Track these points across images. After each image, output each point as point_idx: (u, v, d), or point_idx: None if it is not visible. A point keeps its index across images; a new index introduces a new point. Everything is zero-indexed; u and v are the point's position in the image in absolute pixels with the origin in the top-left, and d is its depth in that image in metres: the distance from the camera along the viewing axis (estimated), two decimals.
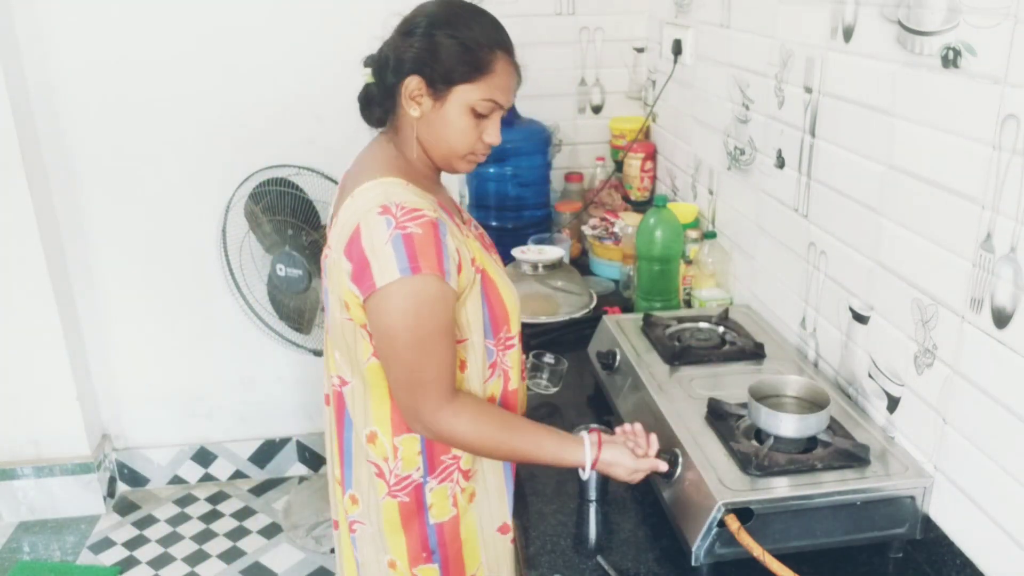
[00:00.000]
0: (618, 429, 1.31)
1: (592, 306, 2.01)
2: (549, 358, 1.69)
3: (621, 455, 1.24)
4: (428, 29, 1.19)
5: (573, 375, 1.73)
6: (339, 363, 1.27)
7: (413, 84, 1.19)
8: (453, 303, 1.17)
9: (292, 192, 2.44)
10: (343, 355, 1.25)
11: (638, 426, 1.31)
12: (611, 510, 1.36)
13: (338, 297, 1.19)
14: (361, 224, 1.13)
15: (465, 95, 1.19)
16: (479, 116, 1.21)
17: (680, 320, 1.71)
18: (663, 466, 1.25)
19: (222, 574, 2.60)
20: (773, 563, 1.11)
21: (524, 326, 1.89)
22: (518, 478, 1.38)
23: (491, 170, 2.42)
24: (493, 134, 1.24)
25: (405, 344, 1.14)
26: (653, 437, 1.29)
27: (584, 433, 1.25)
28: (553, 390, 1.69)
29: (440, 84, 1.18)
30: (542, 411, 1.65)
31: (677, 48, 2.25)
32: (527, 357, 1.66)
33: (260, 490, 3.02)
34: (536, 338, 1.89)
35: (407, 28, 1.21)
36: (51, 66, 2.55)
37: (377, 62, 1.24)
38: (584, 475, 1.28)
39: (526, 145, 2.44)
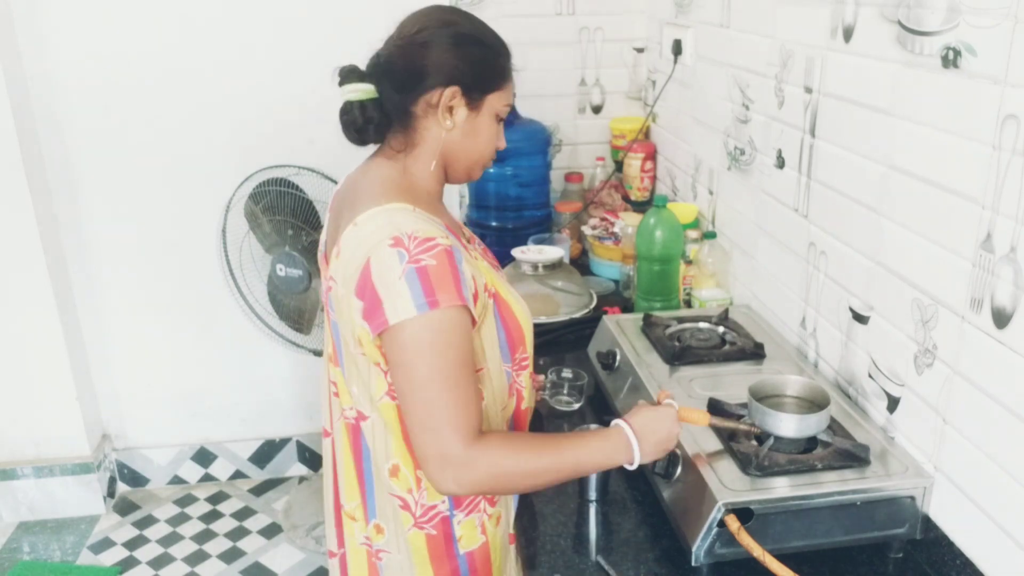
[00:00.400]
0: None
1: (592, 306, 2.02)
2: (568, 372, 1.64)
3: (651, 419, 1.18)
4: (460, 39, 1.15)
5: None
6: (357, 397, 1.19)
7: (450, 95, 1.14)
8: (470, 331, 1.10)
9: (292, 192, 2.44)
10: (361, 390, 1.18)
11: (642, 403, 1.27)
12: (611, 510, 1.36)
13: (350, 332, 1.13)
14: (372, 259, 1.06)
15: (494, 103, 1.18)
16: (499, 121, 1.21)
17: (680, 320, 1.72)
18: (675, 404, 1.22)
19: (222, 574, 2.60)
20: (773, 563, 1.11)
21: None
22: None
23: (491, 170, 2.42)
24: (503, 139, 1.24)
25: (425, 382, 1.06)
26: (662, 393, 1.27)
27: (618, 422, 1.18)
28: (576, 406, 1.64)
29: (477, 93, 1.16)
30: (542, 418, 1.65)
31: (677, 48, 2.25)
32: (545, 376, 1.62)
33: (260, 490, 3.02)
34: (536, 338, 1.88)
35: (421, 38, 1.15)
36: (51, 67, 2.54)
37: (383, 76, 1.16)
38: (634, 465, 1.17)
39: (526, 145, 2.44)
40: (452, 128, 1.16)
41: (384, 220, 1.09)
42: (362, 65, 1.19)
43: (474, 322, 1.11)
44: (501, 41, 1.20)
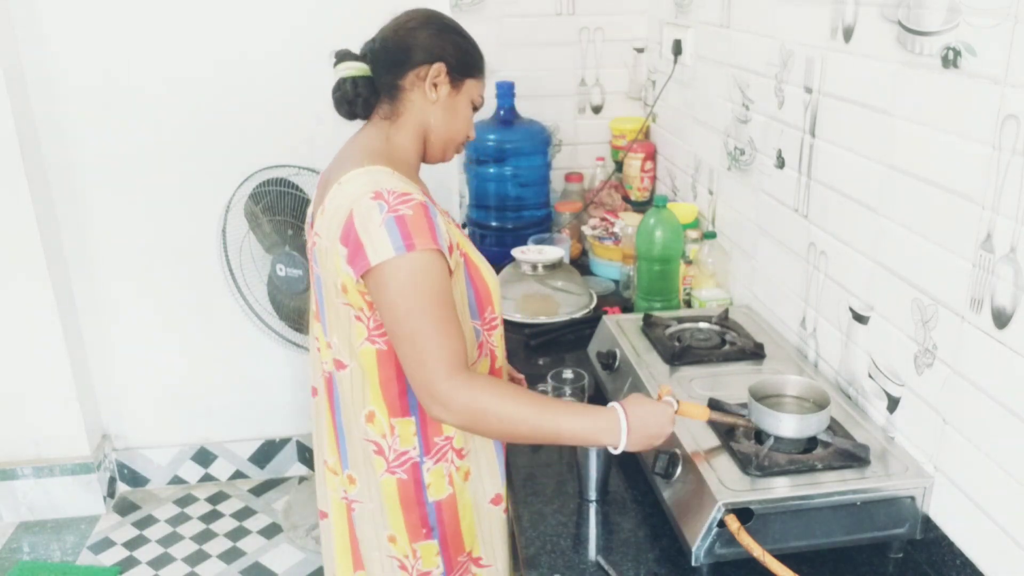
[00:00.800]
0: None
1: (592, 306, 2.02)
2: (568, 373, 1.65)
3: (648, 412, 1.20)
4: (445, 28, 1.31)
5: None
6: (338, 347, 1.28)
7: (436, 69, 1.28)
8: (447, 276, 1.18)
9: (292, 192, 2.44)
10: (342, 340, 1.27)
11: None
12: (611, 510, 1.36)
13: (334, 283, 1.22)
14: (354, 210, 1.16)
15: (472, 89, 1.34)
16: (473, 109, 1.36)
17: (680, 320, 1.72)
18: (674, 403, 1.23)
19: (222, 574, 2.60)
20: (773, 563, 1.11)
21: (525, 327, 1.90)
22: (507, 456, 1.42)
23: (491, 170, 2.43)
24: (473, 128, 1.40)
25: (407, 316, 1.14)
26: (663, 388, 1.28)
27: (614, 404, 1.19)
28: None
29: (458, 74, 1.30)
30: None
31: (677, 48, 2.25)
32: (547, 380, 1.63)
33: (260, 490, 3.02)
34: (536, 338, 1.89)
35: (411, 25, 1.30)
36: (51, 67, 2.55)
37: (380, 50, 1.30)
38: (618, 450, 1.18)
39: (526, 145, 2.44)
40: (436, 101, 1.30)
41: (366, 179, 1.20)
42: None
43: (450, 271, 1.20)
44: (478, 45, 1.36)
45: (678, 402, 1.25)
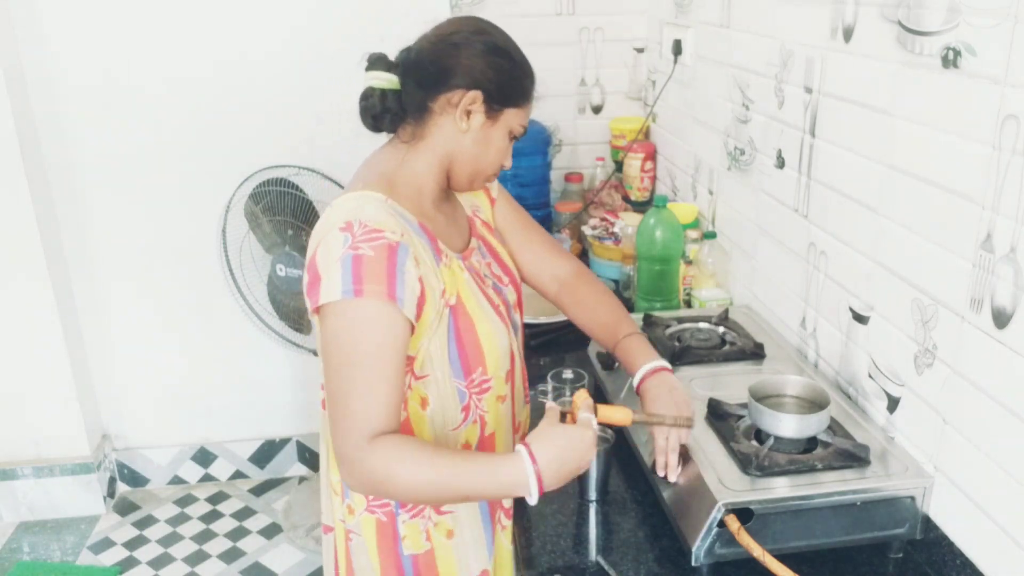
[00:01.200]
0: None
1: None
2: (568, 373, 1.64)
3: (562, 447, 1.05)
4: (493, 49, 1.17)
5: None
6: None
7: (471, 98, 1.16)
8: (401, 331, 1.08)
9: (292, 192, 2.44)
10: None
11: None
12: (611, 510, 1.36)
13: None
14: (324, 239, 1.10)
15: (511, 119, 1.20)
16: (511, 139, 1.23)
17: (680, 320, 1.72)
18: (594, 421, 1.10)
19: (222, 574, 2.60)
20: (773, 563, 1.11)
21: (525, 327, 1.87)
22: (494, 530, 1.30)
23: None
24: (511, 158, 1.27)
25: (337, 368, 1.07)
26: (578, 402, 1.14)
27: (522, 451, 1.05)
28: None
29: (497, 104, 1.18)
30: (540, 416, 1.65)
31: (677, 48, 2.25)
32: (547, 380, 1.63)
33: (260, 490, 3.02)
34: (536, 338, 1.89)
35: (455, 39, 1.17)
36: (51, 67, 2.55)
37: (408, 69, 1.18)
38: (532, 500, 1.05)
39: (526, 145, 2.44)
40: (466, 131, 1.18)
41: (351, 205, 1.12)
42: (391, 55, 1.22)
43: (412, 325, 1.10)
44: (529, 65, 1.22)
45: (596, 412, 1.11)
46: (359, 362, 1.06)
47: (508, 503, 1.32)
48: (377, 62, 1.20)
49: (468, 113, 1.17)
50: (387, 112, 1.20)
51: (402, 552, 1.23)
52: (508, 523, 1.33)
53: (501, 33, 1.21)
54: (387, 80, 1.18)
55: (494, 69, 1.16)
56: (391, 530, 1.23)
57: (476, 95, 1.16)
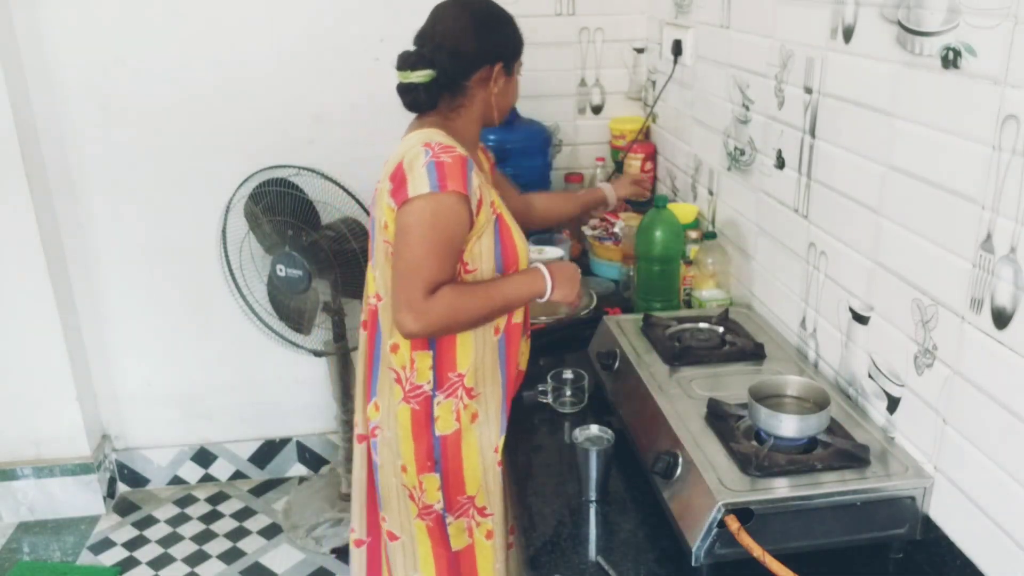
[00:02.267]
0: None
1: (592, 306, 2.01)
2: (568, 373, 1.66)
3: (559, 265, 1.52)
4: (498, 21, 1.49)
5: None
6: (379, 281, 1.49)
7: (496, 70, 1.48)
8: (466, 221, 1.39)
9: (292, 192, 2.44)
10: (382, 274, 1.47)
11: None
12: (611, 510, 1.36)
13: (380, 220, 1.43)
14: (405, 154, 1.39)
15: (519, 65, 1.56)
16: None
17: (680, 320, 1.71)
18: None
19: (222, 575, 2.60)
20: (773, 564, 1.11)
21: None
22: (510, 421, 1.54)
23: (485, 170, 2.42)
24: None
25: (418, 240, 1.35)
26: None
27: (538, 266, 1.49)
28: (580, 406, 1.65)
29: (512, 63, 1.53)
30: (540, 416, 1.66)
31: (677, 48, 2.25)
32: (547, 380, 1.65)
33: (260, 490, 3.02)
34: (536, 338, 1.89)
35: (472, 22, 1.45)
36: (51, 67, 2.55)
37: (442, 61, 1.43)
38: (545, 296, 1.48)
39: (526, 145, 2.44)
40: (497, 92, 1.50)
41: (423, 136, 1.42)
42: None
43: (471, 221, 1.39)
44: (509, 14, 1.53)
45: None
46: (436, 241, 1.36)
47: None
48: (412, 63, 1.45)
49: (496, 80, 1.49)
50: (432, 99, 1.47)
51: (434, 432, 1.48)
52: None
53: (494, 4, 1.51)
54: (426, 75, 1.44)
55: (505, 38, 1.50)
56: (424, 415, 1.48)
57: (499, 66, 1.48)
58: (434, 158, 1.36)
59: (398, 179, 1.38)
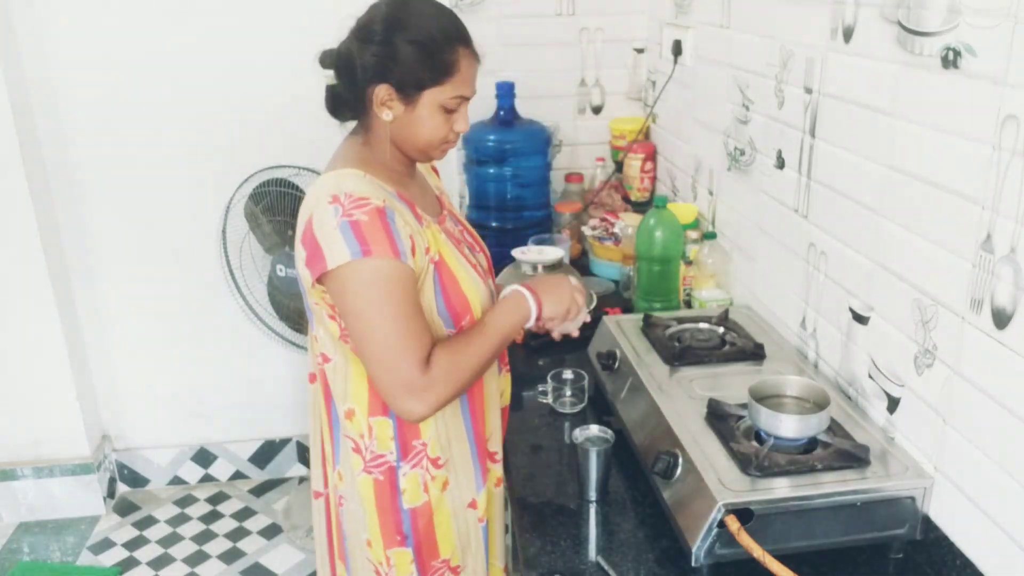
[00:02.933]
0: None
1: (592, 307, 2.01)
2: (568, 374, 1.66)
3: (544, 280, 1.34)
4: (387, 35, 1.20)
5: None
6: (323, 340, 1.30)
7: (383, 92, 1.22)
8: (412, 278, 1.19)
9: (292, 193, 2.44)
10: (325, 334, 1.29)
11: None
12: (611, 510, 1.36)
13: (303, 277, 1.24)
14: (313, 214, 1.18)
15: (434, 97, 1.23)
16: (449, 112, 1.25)
17: (680, 321, 1.71)
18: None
19: (222, 575, 2.60)
20: (773, 564, 1.11)
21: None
22: (484, 463, 1.40)
23: (491, 170, 2.42)
24: (462, 123, 1.28)
25: (371, 319, 1.16)
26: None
27: (515, 288, 1.30)
28: (580, 406, 1.65)
29: (409, 90, 1.22)
30: (540, 416, 1.66)
31: (677, 49, 2.25)
32: (547, 381, 1.65)
33: (260, 491, 3.02)
34: (536, 339, 1.89)
35: (364, 34, 1.22)
36: (51, 67, 2.55)
37: (338, 66, 1.26)
38: (531, 319, 1.30)
39: (526, 146, 2.44)
40: (391, 120, 1.24)
41: (332, 182, 1.21)
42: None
43: (432, 260, 1.22)
44: (449, 35, 1.23)
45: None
46: (393, 308, 1.16)
47: (494, 447, 1.43)
48: (323, 59, 1.28)
49: (387, 104, 1.23)
50: (338, 105, 1.30)
51: (401, 506, 1.32)
52: (494, 467, 1.43)
53: (414, 13, 1.23)
54: (330, 77, 1.28)
55: (398, 60, 1.20)
56: (389, 486, 1.31)
57: (386, 88, 1.22)
58: (345, 216, 1.15)
59: (311, 247, 1.17)
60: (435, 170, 1.52)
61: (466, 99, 1.26)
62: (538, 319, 1.30)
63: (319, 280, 1.19)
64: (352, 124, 1.35)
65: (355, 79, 1.24)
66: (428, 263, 1.23)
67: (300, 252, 1.21)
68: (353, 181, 1.21)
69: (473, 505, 1.38)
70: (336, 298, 1.19)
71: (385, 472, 1.31)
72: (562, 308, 1.32)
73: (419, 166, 1.40)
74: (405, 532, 1.33)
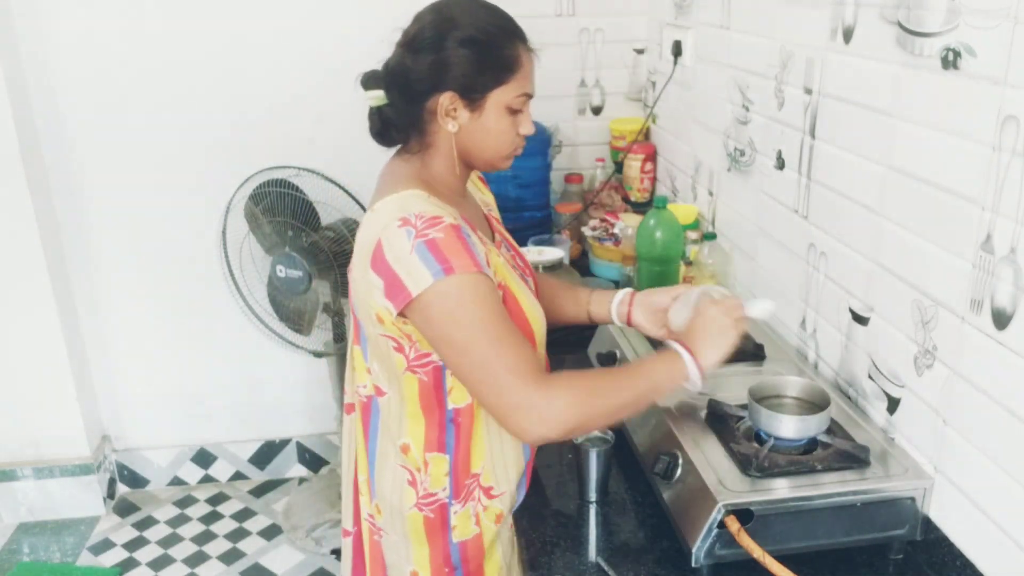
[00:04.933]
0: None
1: None
2: None
3: (700, 325, 1.22)
4: (440, 39, 1.14)
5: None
6: (378, 374, 1.23)
7: (446, 101, 1.16)
8: (498, 293, 1.12)
9: (292, 193, 2.44)
10: (382, 367, 1.22)
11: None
12: (611, 511, 1.36)
13: (369, 313, 1.16)
14: (382, 238, 1.10)
15: (500, 98, 1.18)
16: (514, 113, 1.20)
17: None
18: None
19: (222, 575, 2.60)
20: (773, 564, 1.11)
21: None
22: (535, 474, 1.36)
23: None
24: (528, 125, 1.24)
25: (467, 343, 1.08)
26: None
27: (675, 346, 1.19)
28: None
29: (474, 94, 1.16)
30: None
31: (677, 49, 2.25)
32: None
33: (260, 491, 3.02)
34: None
35: (416, 43, 1.16)
36: (51, 67, 2.54)
37: (389, 83, 1.19)
38: (699, 386, 1.19)
39: (526, 146, 2.43)
40: (457, 131, 1.18)
41: (396, 205, 1.13)
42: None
43: (499, 285, 1.14)
44: (505, 30, 1.18)
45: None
46: (487, 325, 1.08)
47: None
48: (367, 80, 1.21)
49: (453, 112, 1.17)
50: (389, 127, 1.22)
51: (451, 540, 1.26)
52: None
53: (465, 13, 1.17)
54: (377, 97, 1.20)
55: (459, 65, 1.14)
56: (440, 523, 1.25)
57: (449, 96, 1.16)
58: (420, 237, 1.07)
59: (387, 276, 1.09)
60: (483, 180, 1.45)
61: (530, 97, 1.21)
62: (702, 375, 1.19)
63: (402, 312, 1.11)
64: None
65: (412, 93, 1.17)
66: (497, 289, 1.15)
67: (372, 280, 1.11)
68: (419, 202, 1.13)
69: (507, 524, 1.34)
70: (423, 326, 1.11)
71: (436, 510, 1.25)
72: (728, 346, 1.21)
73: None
74: (454, 564, 1.27)
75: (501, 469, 1.26)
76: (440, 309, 1.08)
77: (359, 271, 1.15)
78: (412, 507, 1.25)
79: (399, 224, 1.09)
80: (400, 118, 1.20)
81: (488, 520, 1.28)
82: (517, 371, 1.07)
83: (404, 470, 1.24)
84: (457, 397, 1.20)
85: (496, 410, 1.11)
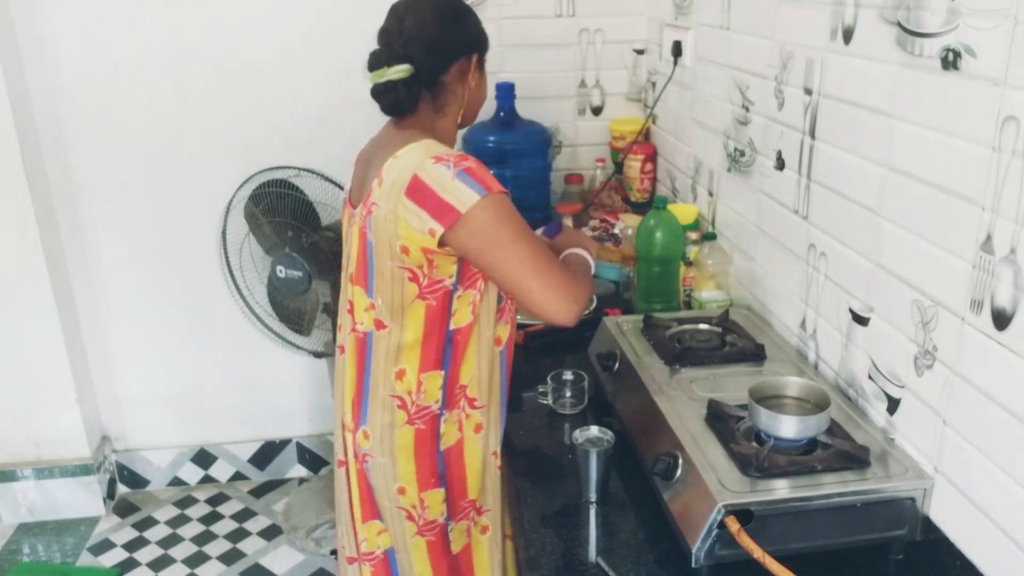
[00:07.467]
0: None
1: (592, 308, 2.01)
2: (568, 375, 1.66)
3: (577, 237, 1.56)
4: (464, 12, 1.43)
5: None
6: (381, 308, 1.38)
7: (475, 61, 1.43)
8: None
9: (292, 194, 2.44)
10: (386, 302, 1.37)
11: None
12: (611, 512, 1.36)
13: (389, 247, 1.32)
14: (419, 173, 1.28)
15: (485, 60, 1.49)
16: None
17: (680, 322, 1.71)
18: None
19: (222, 575, 2.60)
20: (773, 565, 1.11)
21: (524, 327, 1.90)
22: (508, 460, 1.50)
23: (491, 171, 2.42)
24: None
25: (514, 242, 1.27)
26: None
27: (578, 251, 1.50)
28: (580, 407, 1.65)
29: (484, 56, 1.47)
30: (540, 417, 1.66)
31: (677, 50, 2.25)
32: (547, 382, 1.65)
33: (260, 492, 3.02)
34: (536, 340, 1.89)
35: (450, 13, 1.40)
36: (52, 67, 2.55)
37: (422, 51, 1.36)
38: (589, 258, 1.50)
39: (526, 147, 2.44)
40: (475, 87, 1.45)
41: (423, 149, 1.32)
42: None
43: None
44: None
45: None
46: (525, 229, 1.30)
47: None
48: (383, 60, 1.37)
49: (475, 73, 1.44)
50: (410, 97, 1.39)
51: (438, 449, 1.43)
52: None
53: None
54: (403, 71, 1.36)
55: (476, 30, 1.45)
56: (430, 433, 1.42)
57: (475, 58, 1.43)
58: (458, 167, 1.28)
59: (432, 202, 1.26)
60: None
61: None
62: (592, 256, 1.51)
63: (445, 235, 1.27)
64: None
65: (445, 57, 1.38)
66: None
67: (410, 208, 1.27)
68: (441, 147, 1.33)
69: (496, 455, 1.50)
70: (467, 239, 1.27)
71: (428, 421, 1.41)
72: (584, 242, 1.54)
73: None
74: (439, 473, 1.43)
75: (485, 384, 1.44)
76: (488, 218, 1.26)
77: (388, 204, 1.30)
78: (403, 425, 1.41)
79: (433, 161, 1.28)
80: (421, 85, 1.39)
81: (469, 428, 1.44)
82: (553, 265, 1.31)
83: (395, 399, 1.40)
84: (459, 319, 1.38)
85: (538, 294, 1.29)
